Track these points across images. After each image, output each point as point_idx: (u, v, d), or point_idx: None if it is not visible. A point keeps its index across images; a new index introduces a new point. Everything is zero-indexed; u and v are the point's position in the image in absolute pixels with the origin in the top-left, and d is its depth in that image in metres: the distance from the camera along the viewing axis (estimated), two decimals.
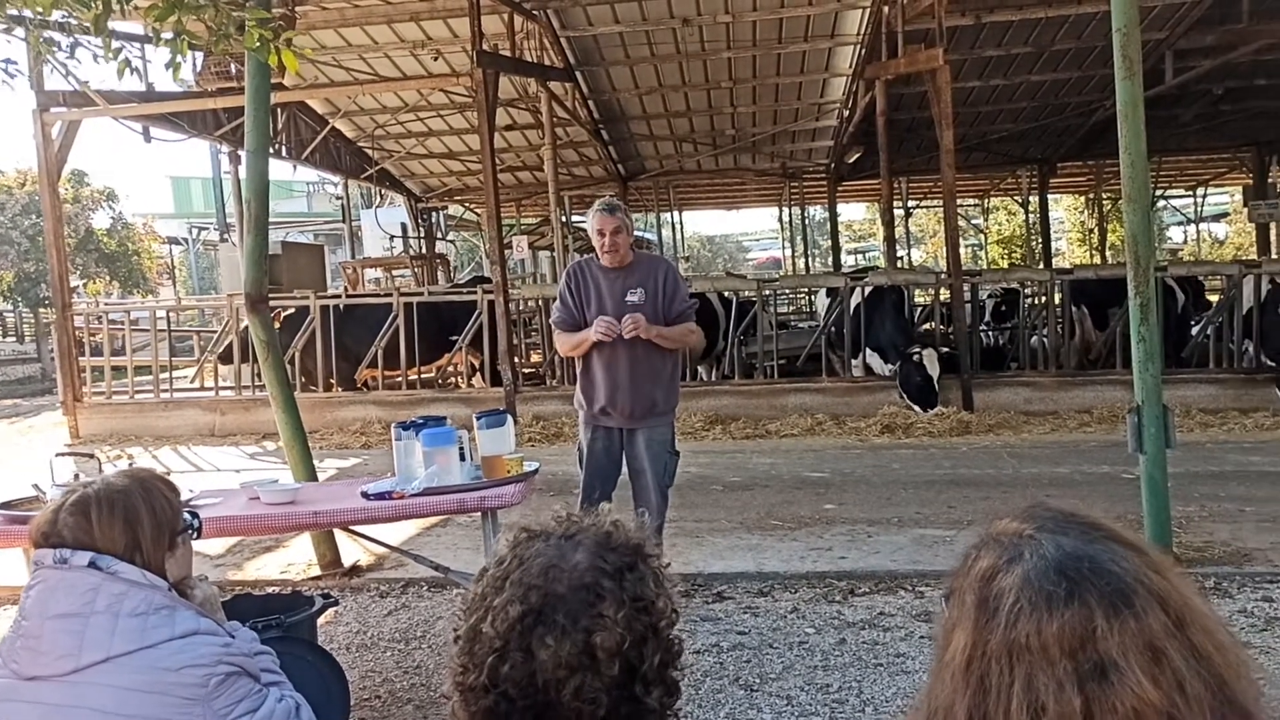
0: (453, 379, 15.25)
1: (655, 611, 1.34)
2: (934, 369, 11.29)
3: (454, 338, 12.92)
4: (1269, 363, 11.10)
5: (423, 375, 13.39)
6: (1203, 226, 35.08)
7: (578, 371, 5.53)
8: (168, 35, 4.40)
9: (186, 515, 2.34)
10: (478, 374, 13.98)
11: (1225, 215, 38.13)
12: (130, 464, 9.39)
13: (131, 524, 2.17)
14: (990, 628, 1.10)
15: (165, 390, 13.38)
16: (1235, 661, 1.09)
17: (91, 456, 4.34)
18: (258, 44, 4.23)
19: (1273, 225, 24.05)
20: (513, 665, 1.28)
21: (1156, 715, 1.02)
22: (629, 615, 1.30)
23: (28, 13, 4.51)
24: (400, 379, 12.83)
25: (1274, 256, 22.18)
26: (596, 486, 5.38)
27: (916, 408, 11.23)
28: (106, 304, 17.78)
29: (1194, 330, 12.59)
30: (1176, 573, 1.15)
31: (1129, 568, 1.10)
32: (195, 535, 2.39)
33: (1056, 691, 1.04)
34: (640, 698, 1.31)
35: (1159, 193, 25.65)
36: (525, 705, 1.29)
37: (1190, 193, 29.46)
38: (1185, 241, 37.20)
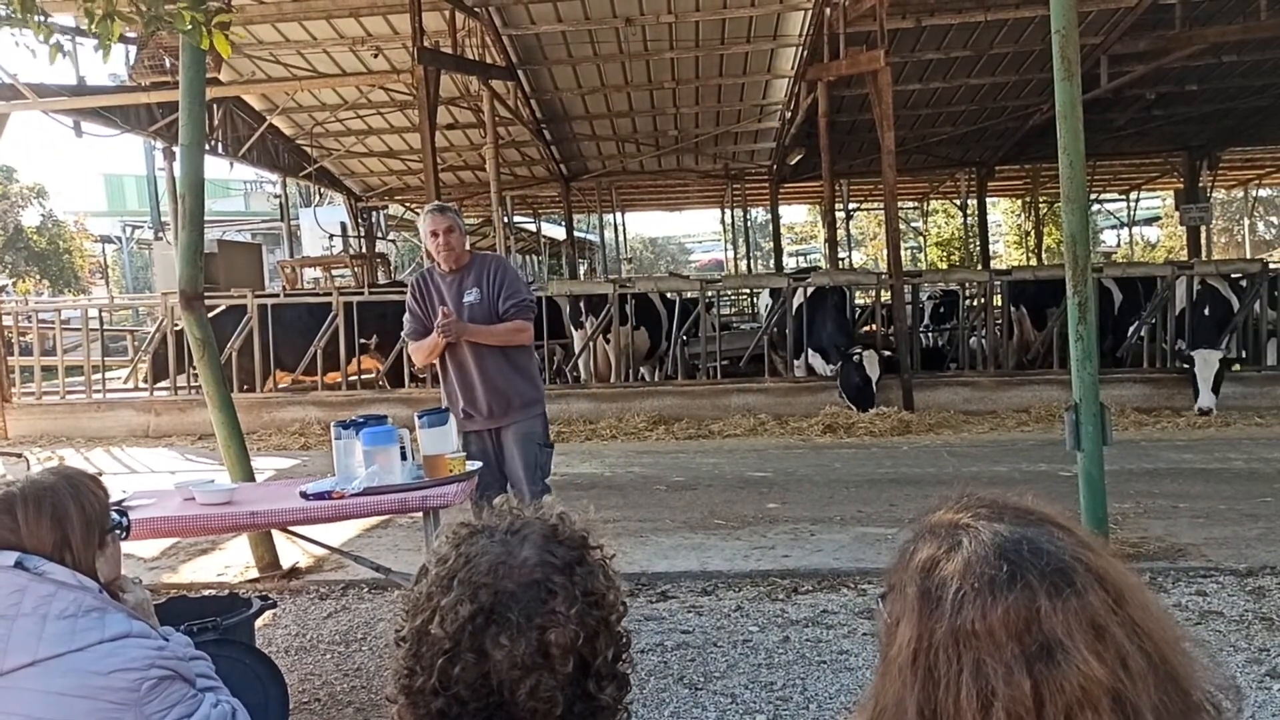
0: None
1: (606, 605, 1.31)
2: (874, 371, 11.38)
3: (364, 341, 12.80)
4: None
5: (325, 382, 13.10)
6: (1135, 230, 35.77)
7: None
8: (98, 18, 4.29)
9: (114, 514, 2.26)
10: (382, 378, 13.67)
11: (1157, 219, 38.93)
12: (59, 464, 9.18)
13: (60, 522, 2.10)
14: (935, 617, 1.09)
15: (98, 390, 13.10)
16: (1172, 636, 1.09)
17: (20, 456, 4.23)
18: (189, 26, 4.13)
19: (1203, 228, 24.57)
20: (464, 666, 1.24)
21: (1103, 692, 1.02)
22: (581, 610, 1.27)
23: None
24: (321, 382, 12.70)
25: (1204, 259, 22.64)
26: (482, 494, 5.28)
27: (854, 408, 11.31)
28: (37, 302, 17.36)
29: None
30: (1112, 552, 1.15)
31: (1066, 547, 1.11)
32: (124, 534, 2.32)
33: (1005, 675, 1.04)
34: (594, 694, 1.28)
35: (1094, 196, 26.10)
36: (477, 707, 1.25)
37: (1123, 197, 30.02)
38: (1119, 244, 37.88)
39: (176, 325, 11.75)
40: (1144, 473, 8.31)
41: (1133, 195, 29.73)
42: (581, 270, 28.16)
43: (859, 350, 11.57)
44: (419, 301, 5.40)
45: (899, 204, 17.38)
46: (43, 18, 4.27)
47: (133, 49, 13.78)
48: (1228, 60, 15.69)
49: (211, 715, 2.08)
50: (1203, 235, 25.33)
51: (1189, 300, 11.64)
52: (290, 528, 4.78)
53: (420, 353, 5.44)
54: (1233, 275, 12.50)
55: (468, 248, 5.45)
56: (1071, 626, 1.04)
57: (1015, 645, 1.04)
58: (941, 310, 16.49)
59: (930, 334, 15.90)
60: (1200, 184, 22.79)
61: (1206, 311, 11.65)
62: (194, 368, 7.24)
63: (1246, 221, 36.98)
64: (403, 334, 5.69)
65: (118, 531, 2.26)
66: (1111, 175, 26.64)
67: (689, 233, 60.80)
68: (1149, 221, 38.86)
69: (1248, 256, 25.39)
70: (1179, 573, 5.68)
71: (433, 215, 5.31)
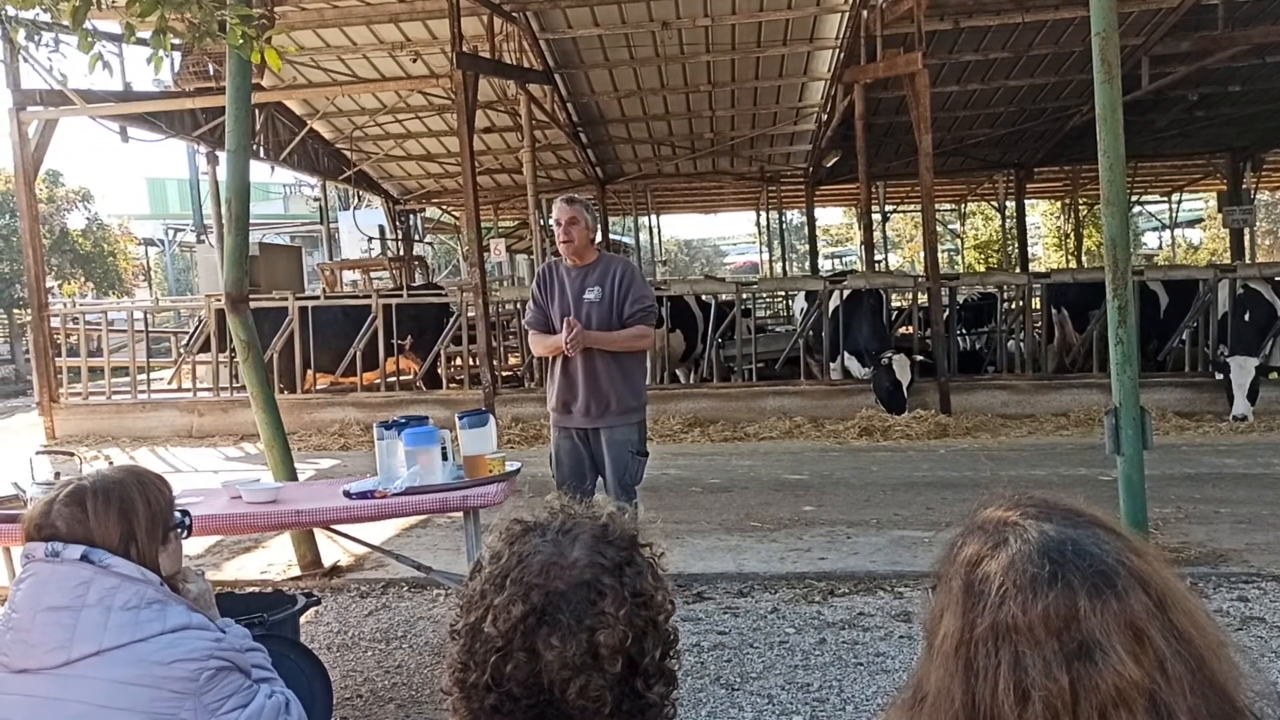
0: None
1: (654, 605, 1.34)
2: (904, 375, 11.34)
3: (400, 342, 12.94)
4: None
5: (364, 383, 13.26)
6: (1178, 232, 35.39)
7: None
8: (146, 34, 4.38)
9: (178, 512, 2.33)
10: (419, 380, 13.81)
11: (1200, 221, 38.49)
12: (110, 463, 9.34)
13: (127, 515, 2.16)
14: (977, 611, 1.12)
15: (142, 391, 13.30)
16: (1215, 643, 1.11)
17: (71, 455, 4.32)
18: (241, 41, 4.21)
19: (1246, 230, 24.27)
20: (516, 665, 1.27)
21: (1139, 694, 1.04)
22: (630, 611, 1.30)
23: (9, 9, 4.48)
24: (361, 383, 12.82)
25: (1247, 261, 22.35)
26: (571, 489, 5.42)
27: (888, 412, 11.28)
28: (83, 304, 17.62)
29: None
30: (1159, 557, 1.17)
31: (1111, 550, 1.13)
32: (186, 533, 2.39)
33: (1044, 670, 1.06)
34: (642, 692, 1.31)
35: (1135, 198, 25.83)
36: (529, 704, 1.28)
37: (1165, 198, 29.71)
38: (1160, 247, 37.49)
39: None
40: (1185, 477, 8.25)
41: (1175, 197, 29.41)
42: None
43: (889, 355, 11.54)
44: (541, 291, 5.44)
45: (936, 206, 17.30)
46: (91, 26, 4.37)
47: (178, 55, 13.96)
48: (1272, 61, 15.47)
49: (266, 705, 2.14)
50: (1246, 237, 25.01)
51: (1231, 304, 11.52)
52: (333, 526, 4.87)
53: (538, 345, 5.51)
54: (1276, 279, 12.35)
55: (594, 245, 5.43)
56: (1110, 628, 1.06)
57: (1054, 642, 1.07)
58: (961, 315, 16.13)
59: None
60: (1244, 186, 22.50)
61: (1247, 317, 11.51)
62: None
63: None
64: (525, 321, 5.84)
65: (179, 530, 2.33)
66: (1154, 177, 26.35)
67: (724, 235, 60.43)
68: (1191, 223, 38.44)
69: None
70: (1220, 578, 5.65)
71: (559, 204, 5.36)
